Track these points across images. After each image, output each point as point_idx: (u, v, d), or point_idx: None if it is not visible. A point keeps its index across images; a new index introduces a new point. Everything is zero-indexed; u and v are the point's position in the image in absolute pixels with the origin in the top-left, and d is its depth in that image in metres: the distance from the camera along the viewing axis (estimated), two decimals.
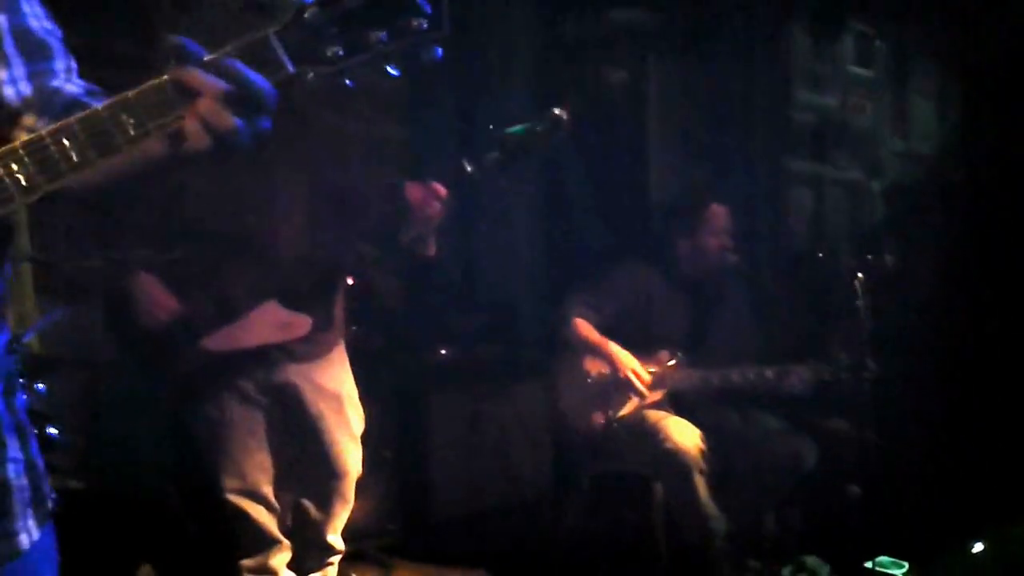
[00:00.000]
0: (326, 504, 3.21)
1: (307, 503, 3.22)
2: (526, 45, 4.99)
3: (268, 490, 3.13)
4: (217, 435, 3.08)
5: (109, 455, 3.74)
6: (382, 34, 1.45)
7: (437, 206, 3.07)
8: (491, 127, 3.17)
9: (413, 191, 3.08)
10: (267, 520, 3.15)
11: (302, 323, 3.11)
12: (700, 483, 3.81)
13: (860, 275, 3.53)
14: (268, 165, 3.10)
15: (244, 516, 3.10)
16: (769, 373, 3.89)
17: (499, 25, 4.93)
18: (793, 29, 5.32)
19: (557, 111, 3.12)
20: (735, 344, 4.15)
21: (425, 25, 1.47)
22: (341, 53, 1.45)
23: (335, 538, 3.26)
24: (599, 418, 4.00)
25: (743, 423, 4.10)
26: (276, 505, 3.18)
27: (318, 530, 3.23)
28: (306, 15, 1.44)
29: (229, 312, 3.05)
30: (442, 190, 3.07)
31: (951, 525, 3.41)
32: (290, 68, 1.45)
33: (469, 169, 3.11)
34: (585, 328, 4.02)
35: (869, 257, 3.57)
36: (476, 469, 4.49)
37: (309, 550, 3.25)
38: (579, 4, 5.04)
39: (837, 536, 3.82)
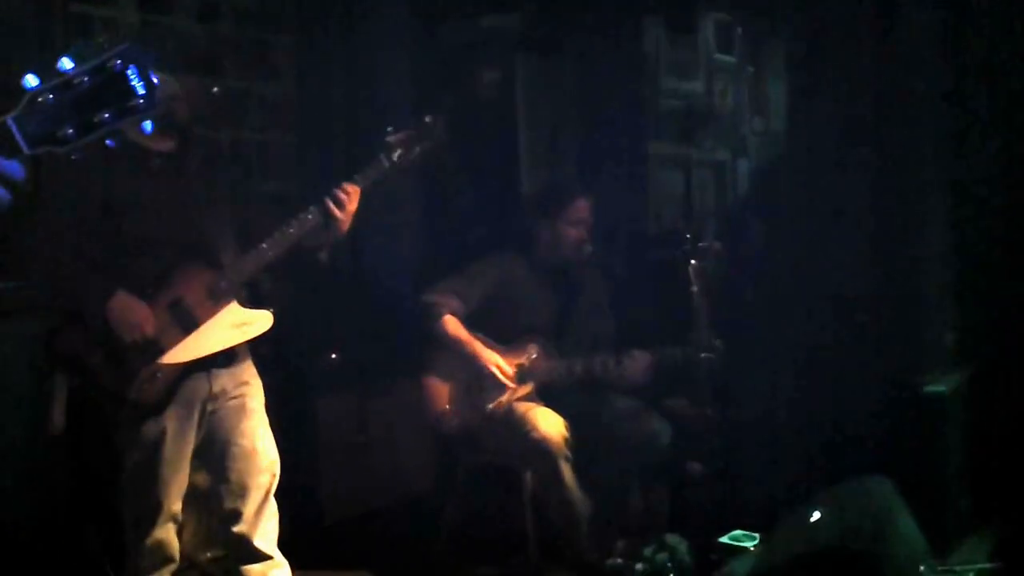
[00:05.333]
0: (253, 503, 3.23)
1: (236, 506, 3.23)
2: (403, 49, 5.11)
3: (179, 507, 3.20)
4: (151, 456, 3.10)
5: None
6: (107, 115, 1.64)
7: (349, 206, 3.22)
8: (389, 129, 3.36)
9: (338, 200, 3.21)
10: (172, 538, 3.21)
11: (263, 319, 3.19)
12: (566, 470, 3.92)
13: (693, 262, 3.71)
14: (197, 176, 3.23)
15: (154, 535, 3.15)
16: (627, 360, 4.03)
17: (377, 31, 5.05)
18: (652, 22, 5.50)
19: (428, 118, 3.40)
20: (596, 332, 4.29)
21: (141, 103, 1.66)
22: (72, 133, 1.62)
23: (263, 543, 3.26)
24: (472, 413, 4.08)
25: (602, 406, 4.20)
26: (180, 519, 3.23)
27: (245, 536, 3.24)
28: (39, 100, 1.61)
29: (188, 321, 3.10)
30: (357, 188, 3.23)
31: (795, 495, 3.60)
32: (25, 149, 1.60)
33: (387, 164, 3.32)
34: (453, 325, 4.08)
35: (701, 244, 3.73)
36: (364, 468, 4.58)
37: (241, 559, 3.27)
38: (451, 10, 5.18)
39: (697, 512, 4.04)
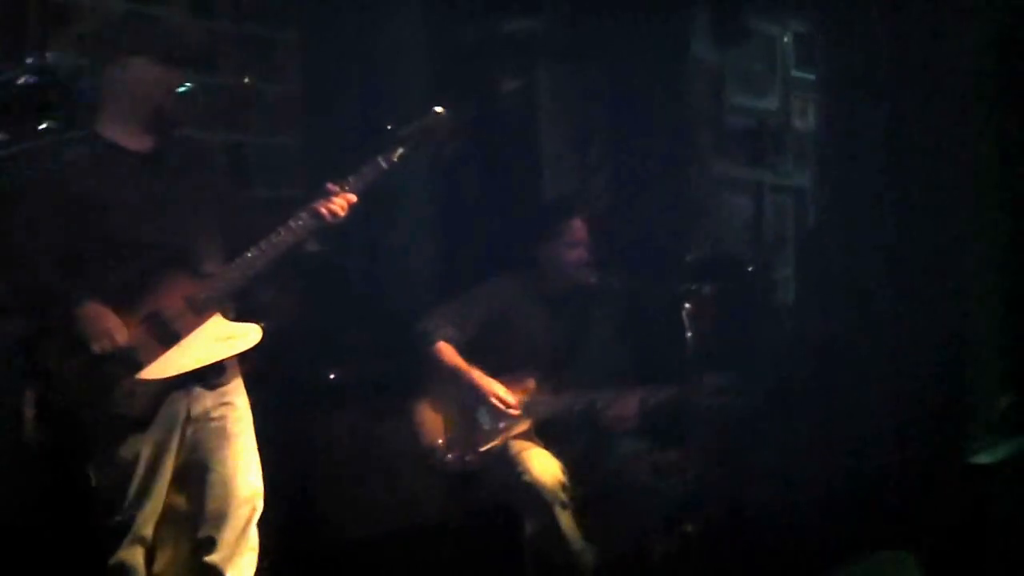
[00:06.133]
0: (230, 534, 3.08)
1: (210, 534, 3.08)
2: (417, 52, 4.84)
3: (149, 530, 3.04)
4: (122, 476, 2.95)
5: None
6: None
7: (344, 214, 3.07)
8: (389, 127, 3.20)
9: (330, 196, 3.06)
10: (138, 561, 3.04)
11: (251, 333, 3.04)
12: (563, 517, 3.69)
13: (687, 305, 3.46)
14: (169, 182, 3.07)
15: (119, 556, 3.00)
16: (617, 401, 3.77)
17: (390, 31, 4.78)
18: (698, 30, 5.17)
19: (438, 109, 3.22)
20: (604, 366, 4.01)
21: None
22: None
23: None
24: (467, 448, 3.85)
25: (609, 447, 3.94)
26: (150, 543, 3.08)
27: (217, 568, 3.08)
28: None
29: (167, 334, 2.96)
30: (354, 198, 3.08)
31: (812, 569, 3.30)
32: None
33: (384, 166, 3.12)
34: (448, 353, 3.87)
35: (693, 287, 3.49)
36: (361, 497, 4.24)
37: None
38: (470, 11, 4.90)
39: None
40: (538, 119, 4.99)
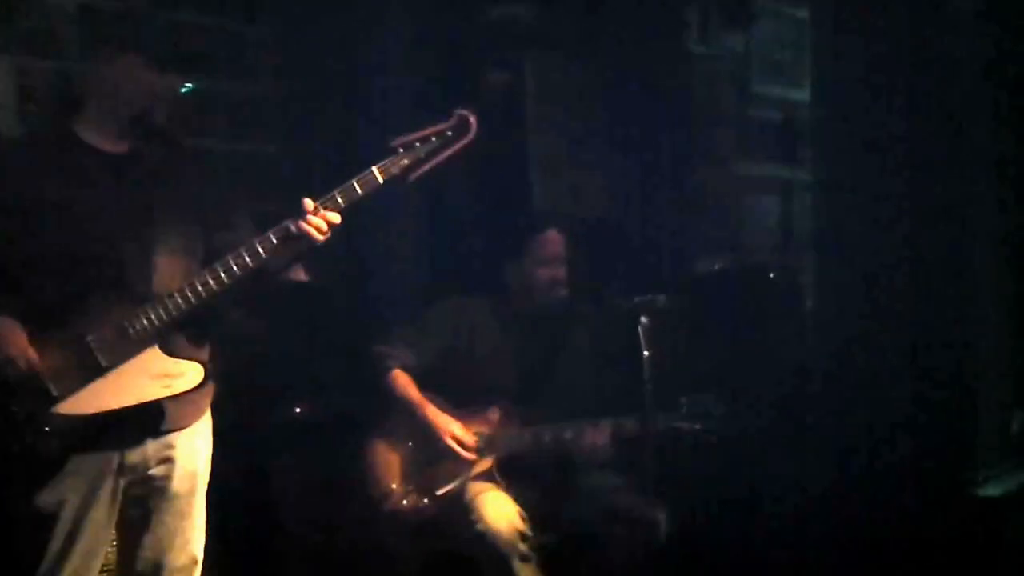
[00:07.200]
0: None
1: None
2: (397, 42, 4.52)
3: None
4: (43, 532, 2.63)
5: None
6: None
7: (323, 236, 2.65)
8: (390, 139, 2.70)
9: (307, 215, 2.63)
10: None
11: (191, 372, 2.68)
12: (522, 570, 3.36)
13: (644, 319, 3.08)
14: (137, 190, 2.73)
15: None
16: (588, 431, 3.45)
17: (371, 21, 4.47)
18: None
19: (464, 112, 2.71)
20: (577, 395, 3.68)
21: None
22: None
23: None
24: (422, 493, 3.57)
25: (581, 486, 3.63)
26: None
27: None
28: None
29: (94, 365, 2.61)
30: (337, 219, 2.65)
31: None
32: None
33: (380, 180, 2.65)
34: (403, 383, 3.59)
35: (649, 296, 3.13)
36: (326, 548, 3.96)
37: None
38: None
39: None
40: (525, 114, 4.63)
